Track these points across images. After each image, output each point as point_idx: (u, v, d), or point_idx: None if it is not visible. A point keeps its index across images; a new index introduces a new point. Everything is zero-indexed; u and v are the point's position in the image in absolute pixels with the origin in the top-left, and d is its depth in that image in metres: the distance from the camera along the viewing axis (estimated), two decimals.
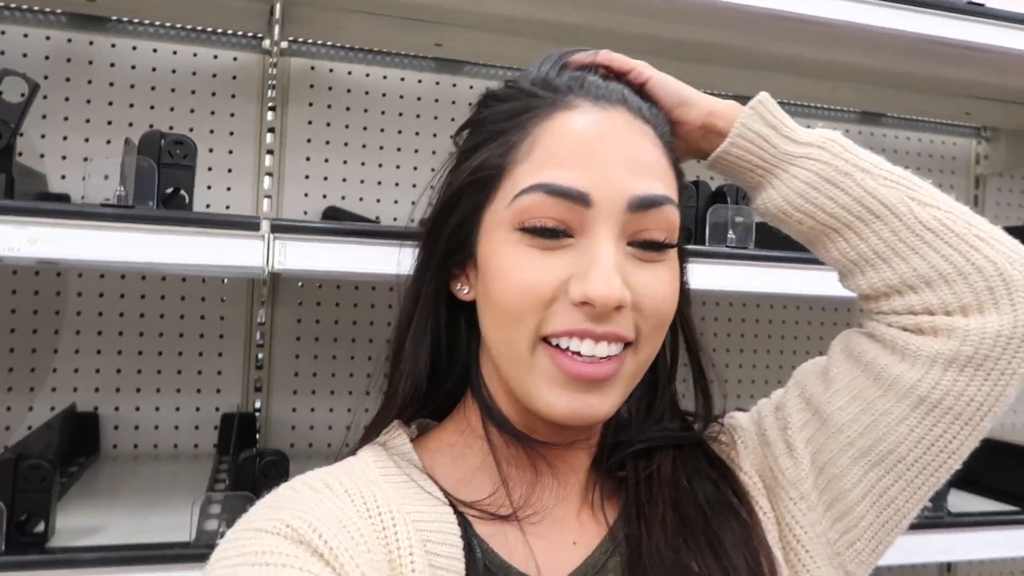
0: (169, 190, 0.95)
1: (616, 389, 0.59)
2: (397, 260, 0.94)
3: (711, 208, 1.13)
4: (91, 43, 1.38)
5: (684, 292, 0.65)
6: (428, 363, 0.64)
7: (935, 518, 1.20)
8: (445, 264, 0.63)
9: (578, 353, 0.56)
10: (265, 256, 0.91)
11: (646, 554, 0.60)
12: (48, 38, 1.36)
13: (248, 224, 0.91)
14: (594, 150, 0.57)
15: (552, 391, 0.57)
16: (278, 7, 1.19)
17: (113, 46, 1.39)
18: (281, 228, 0.92)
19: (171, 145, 0.93)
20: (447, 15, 1.27)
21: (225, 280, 1.45)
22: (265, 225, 0.92)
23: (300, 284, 1.48)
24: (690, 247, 1.09)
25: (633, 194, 0.56)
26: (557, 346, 0.56)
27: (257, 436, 1.47)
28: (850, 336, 0.68)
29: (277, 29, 1.23)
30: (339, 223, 0.99)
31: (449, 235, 0.62)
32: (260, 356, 1.48)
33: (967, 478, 1.35)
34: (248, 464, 0.98)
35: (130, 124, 1.40)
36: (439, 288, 0.64)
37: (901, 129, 1.83)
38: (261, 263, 0.91)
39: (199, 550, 0.95)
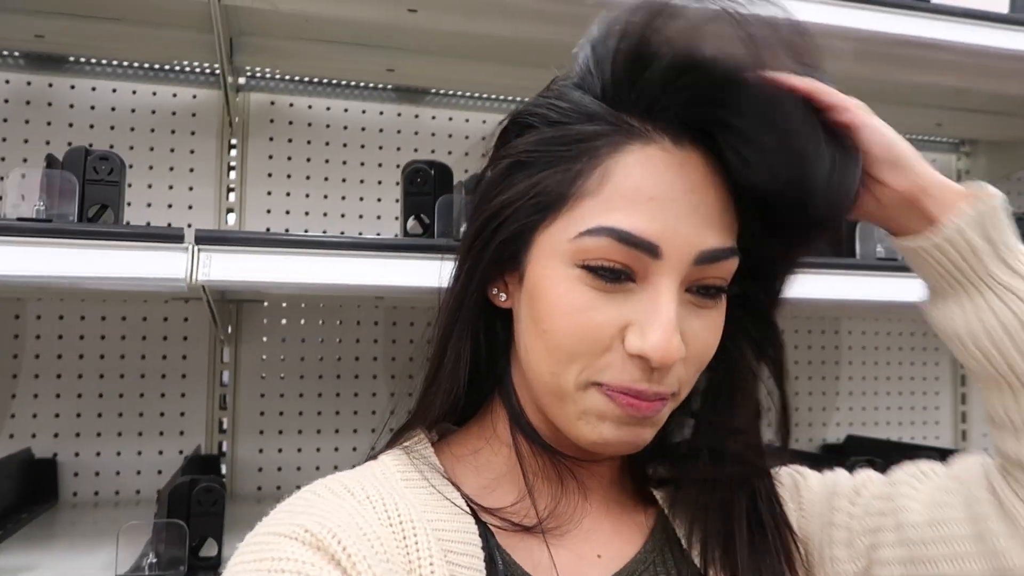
0: (96, 207, 0.93)
1: (653, 426, 0.58)
2: (329, 270, 0.91)
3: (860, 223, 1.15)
4: (50, 85, 1.39)
5: (778, 305, 0.64)
6: (467, 378, 0.61)
7: None
8: (487, 275, 0.60)
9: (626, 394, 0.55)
10: (189, 268, 0.88)
11: None
12: (7, 81, 1.38)
13: (171, 236, 0.89)
14: (668, 198, 0.53)
15: (602, 424, 0.55)
16: (221, 36, 1.19)
17: (72, 87, 1.40)
18: (205, 239, 0.90)
19: (96, 161, 0.92)
20: (397, 38, 1.28)
21: (187, 319, 1.43)
22: (189, 235, 0.90)
23: (265, 304, 1.45)
24: (839, 260, 1.13)
25: (702, 249, 0.54)
26: (609, 390, 0.55)
27: (224, 478, 1.42)
28: (970, 471, 0.62)
29: (225, 61, 1.22)
30: (263, 233, 0.96)
31: (498, 247, 0.59)
32: (224, 396, 1.44)
33: None
34: (181, 490, 0.94)
35: None
36: (480, 294, 0.61)
37: None
38: (184, 275, 0.88)
39: None
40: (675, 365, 0.54)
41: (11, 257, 0.85)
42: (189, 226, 0.93)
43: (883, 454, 1.29)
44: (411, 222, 1.02)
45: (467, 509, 0.58)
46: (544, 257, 0.56)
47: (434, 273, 0.96)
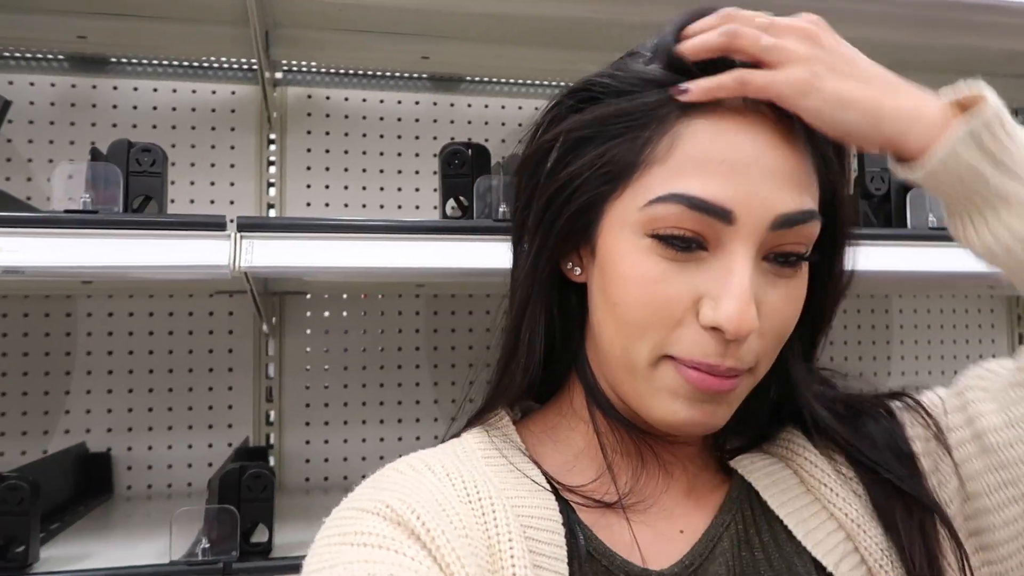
0: (140, 198, 0.94)
1: (733, 402, 0.56)
2: (369, 253, 0.91)
3: (910, 191, 1.13)
4: (94, 87, 1.42)
5: (841, 281, 0.62)
6: (543, 352, 0.60)
7: None
8: (560, 248, 0.59)
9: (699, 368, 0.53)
10: (232, 255, 0.89)
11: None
12: (53, 84, 1.40)
13: (213, 224, 0.90)
14: (740, 162, 0.52)
15: (675, 402, 0.54)
16: (257, 29, 1.19)
17: (115, 88, 1.42)
18: (247, 226, 0.90)
19: (139, 153, 0.93)
20: (429, 24, 1.27)
21: (232, 313, 1.44)
22: (231, 223, 0.91)
23: (308, 296, 1.46)
24: (890, 231, 1.11)
25: (779, 212, 0.52)
26: (683, 364, 0.53)
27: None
28: None
29: (262, 53, 1.23)
30: (303, 218, 0.96)
31: (567, 220, 0.58)
32: (271, 388, 1.46)
33: None
34: (231, 477, 0.94)
35: None
36: (553, 268, 0.61)
37: None
38: (227, 261, 0.89)
39: (178, 567, 0.91)
40: (751, 338, 0.52)
41: (60, 249, 0.86)
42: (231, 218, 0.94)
43: None
44: (450, 204, 1.02)
45: (547, 486, 0.57)
46: (615, 228, 0.55)
47: (473, 255, 0.96)
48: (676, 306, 0.52)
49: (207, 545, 0.91)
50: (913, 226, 1.11)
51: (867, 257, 1.07)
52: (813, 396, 0.62)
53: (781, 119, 0.53)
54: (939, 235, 1.09)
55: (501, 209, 0.96)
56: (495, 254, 0.94)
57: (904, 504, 0.58)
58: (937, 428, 0.61)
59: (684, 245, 0.52)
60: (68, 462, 1.29)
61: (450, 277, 0.97)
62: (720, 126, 0.53)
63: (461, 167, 0.99)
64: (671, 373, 0.54)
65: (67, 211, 0.87)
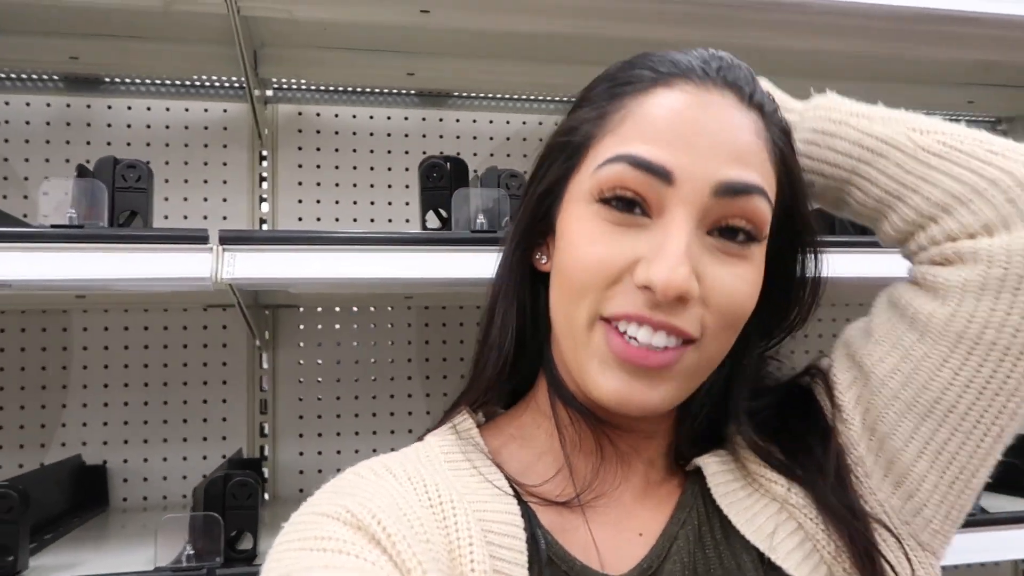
0: (126, 214, 0.97)
1: (671, 383, 0.55)
2: (348, 265, 0.93)
3: None
4: (88, 106, 1.45)
5: (804, 289, 0.64)
6: (515, 337, 0.62)
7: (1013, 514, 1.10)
8: (530, 233, 0.62)
9: (634, 339, 0.53)
10: (214, 267, 0.91)
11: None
12: (48, 104, 1.44)
13: (196, 237, 0.92)
14: (685, 128, 0.54)
15: (602, 372, 0.54)
16: (244, 48, 1.22)
17: (109, 107, 1.46)
18: (230, 239, 0.93)
19: (124, 169, 0.96)
20: (413, 40, 1.30)
21: (226, 327, 1.47)
22: (214, 237, 0.93)
23: (300, 309, 1.49)
24: (866, 238, 1.10)
25: (720, 178, 0.53)
26: (616, 327, 0.54)
27: (265, 480, 1.46)
28: (894, 285, 0.65)
29: (250, 72, 1.26)
30: (284, 231, 0.99)
31: (536, 203, 0.61)
32: (264, 401, 1.48)
33: None
34: (216, 485, 0.96)
35: None
36: (523, 259, 0.63)
37: None
38: (210, 274, 0.91)
39: (163, 574, 0.92)
40: (693, 307, 0.53)
41: (46, 263, 0.89)
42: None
43: None
44: (429, 216, 1.04)
45: (509, 491, 0.58)
46: (572, 202, 0.58)
47: (451, 265, 0.98)
48: (612, 266, 0.54)
49: (192, 552, 0.93)
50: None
51: (844, 265, 1.09)
52: (744, 411, 0.63)
53: (742, 104, 0.56)
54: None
55: (479, 220, 0.98)
56: (473, 264, 0.96)
57: (834, 509, 0.59)
58: (831, 394, 0.63)
59: (626, 206, 0.54)
60: (63, 474, 1.31)
61: (428, 288, 0.99)
62: (675, 99, 0.55)
63: (440, 180, 1.01)
64: (600, 336, 0.55)
65: (53, 226, 0.90)
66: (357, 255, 0.94)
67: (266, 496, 1.45)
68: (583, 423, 0.60)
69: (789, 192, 0.59)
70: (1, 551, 0.93)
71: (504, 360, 0.62)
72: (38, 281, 0.88)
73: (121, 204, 0.95)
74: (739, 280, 0.55)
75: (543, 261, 0.62)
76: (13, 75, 1.38)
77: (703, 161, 0.53)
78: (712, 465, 0.62)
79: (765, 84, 0.63)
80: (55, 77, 1.40)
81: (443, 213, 1.03)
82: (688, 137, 0.54)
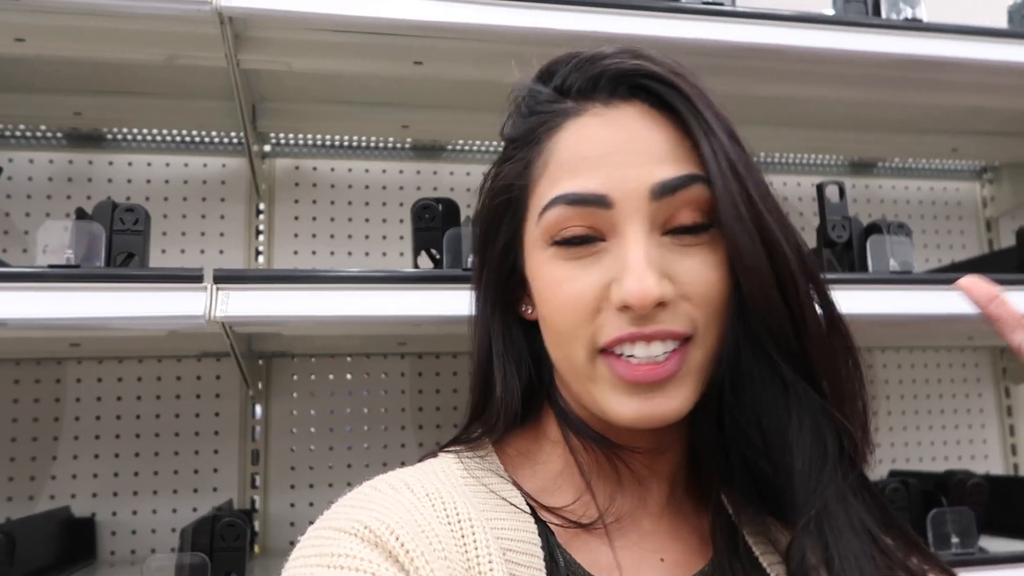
0: (123, 255, 0.98)
1: (683, 386, 0.55)
2: (339, 303, 0.94)
3: (870, 238, 1.16)
4: (90, 162, 1.48)
5: (838, 320, 0.59)
6: (520, 391, 0.63)
7: (966, 555, 1.09)
8: (504, 290, 0.63)
9: (633, 356, 0.54)
10: (208, 305, 0.93)
11: None
12: (51, 161, 1.47)
13: (191, 277, 0.94)
14: (605, 151, 0.56)
15: (618, 398, 0.55)
16: (243, 103, 1.26)
17: (111, 163, 1.49)
18: (224, 278, 0.94)
19: (122, 212, 0.98)
20: (408, 93, 1.34)
21: (219, 377, 1.47)
22: (208, 276, 0.94)
23: (293, 359, 1.49)
24: (852, 275, 1.13)
25: (655, 182, 0.55)
26: (614, 353, 0.55)
27: (255, 533, 1.44)
28: None
29: (248, 127, 1.30)
30: (276, 270, 1.00)
31: (498, 261, 0.63)
32: (256, 452, 1.47)
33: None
34: (204, 526, 0.95)
35: None
36: (506, 313, 0.64)
37: (898, 178, 1.79)
38: (203, 311, 0.92)
39: None
40: (676, 306, 0.54)
41: (42, 303, 0.90)
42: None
43: (939, 489, 1.26)
44: (422, 257, 1.06)
45: (527, 509, 0.58)
46: (529, 252, 0.60)
47: (443, 303, 1.00)
48: (588, 298, 0.55)
49: None
50: (875, 270, 1.14)
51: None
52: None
53: (651, 110, 0.57)
54: (900, 279, 1.12)
55: (470, 259, 1.00)
56: (464, 302, 0.98)
57: None
58: None
59: (581, 242, 0.56)
60: (51, 526, 1.29)
61: (418, 325, 1.00)
62: (585, 130, 0.57)
63: (432, 220, 1.04)
64: (604, 367, 0.55)
65: (51, 266, 0.91)
66: (348, 293, 0.96)
67: (256, 548, 1.42)
68: (597, 450, 0.61)
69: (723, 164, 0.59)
70: None
71: (514, 407, 0.62)
72: (35, 320, 0.89)
73: (119, 246, 0.97)
74: (706, 265, 0.56)
75: (529, 312, 0.64)
76: (18, 132, 1.42)
77: (632, 172, 0.55)
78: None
79: None
80: (59, 134, 1.44)
81: (435, 253, 1.05)
82: (611, 156, 0.56)
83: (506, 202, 0.61)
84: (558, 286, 0.56)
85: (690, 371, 0.55)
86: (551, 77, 0.62)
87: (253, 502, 1.46)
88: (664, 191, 0.55)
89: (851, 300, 1.10)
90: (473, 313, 0.67)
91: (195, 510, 1.44)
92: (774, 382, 0.57)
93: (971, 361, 1.80)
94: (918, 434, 1.75)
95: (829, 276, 1.12)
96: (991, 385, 1.81)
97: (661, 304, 0.53)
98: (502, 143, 0.65)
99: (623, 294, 0.53)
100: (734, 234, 0.54)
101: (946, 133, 1.62)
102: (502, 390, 0.62)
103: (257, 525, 1.44)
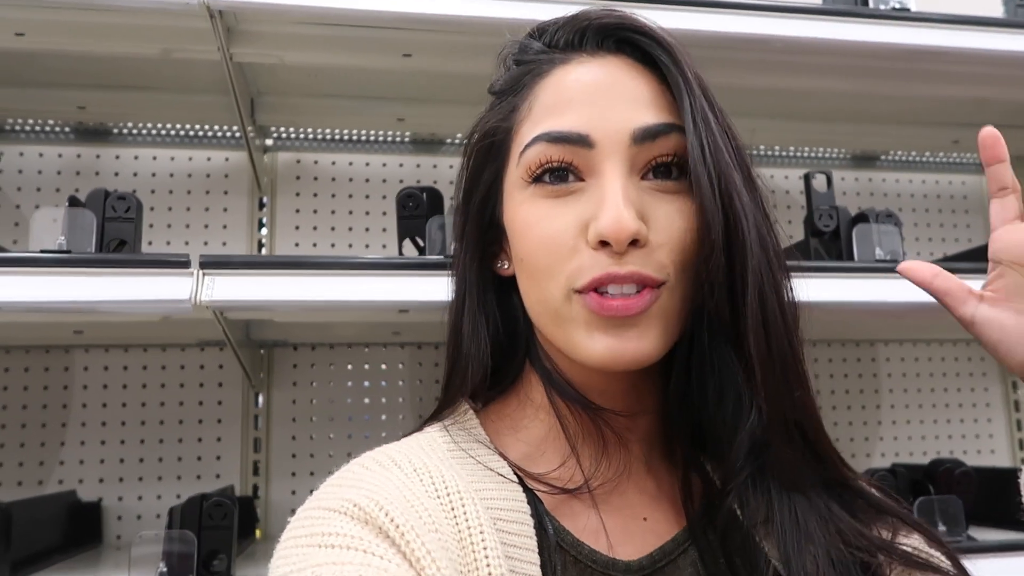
0: (115, 242, 1.01)
1: (654, 326, 0.56)
2: (321, 288, 0.96)
3: (856, 227, 1.16)
4: (98, 156, 1.53)
5: (793, 310, 0.60)
6: (489, 344, 0.63)
7: (953, 543, 1.08)
8: (481, 242, 0.64)
9: (607, 292, 0.55)
10: (193, 290, 0.95)
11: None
12: (60, 155, 1.51)
13: (178, 262, 0.96)
14: (590, 94, 0.57)
15: (591, 335, 0.55)
16: (239, 97, 1.29)
17: (117, 157, 1.53)
18: (210, 263, 0.97)
19: (115, 200, 1.01)
20: (401, 86, 1.36)
21: (222, 366, 1.50)
22: (195, 261, 0.97)
23: (294, 348, 1.52)
24: (839, 263, 1.13)
25: (636, 126, 0.56)
26: (590, 293, 0.56)
27: (257, 519, 1.46)
28: None
29: (246, 121, 1.33)
30: (261, 256, 1.02)
31: (478, 211, 0.63)
32: (258, 440, 1.50)
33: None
34: (193, 505, 0.98)
35: None
36: (482, 268, 0.65)
37: (902, 171, 1.78)
38: (189, 296, 0.95)
39: None
40: (651, 252, 0.55)
41: (35, 287, 0.93)
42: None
43: (927, 477, 1.25)
44: (406, 244, 1.08)
45: (513, 478, 0.58)
46: (509, 196, 0.61)
47: (425, 288, 1.02)
48: (565, 236, 0.56)
49: (165, 570, 0.94)
50: (860, 259, 1.14)
51: (819, 289, 1.10)
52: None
53: (636, 64, 0.59)
54: (885, 267, 1.11)
55: (453, 246, 1.02)
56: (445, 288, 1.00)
57: None
58: None
59: (558, 177, 0.57)
60: (56, 508, 1.33)
61: (408, 313, 1.02)
62: (570, 72, 0.59)
63: (416, 208, 1.05)
64: (579, 305, 0.56)
65: (43, 251, 0.95)
66: (332, 279, 0.98)
67: (258, 533, 1.45)
68: (583, 413, 0.61)
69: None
70: None
71: (483, 370, 0.63)
72: (26, 303, 0.92)
73: (110, 233, 1.00)
74: (679, 214, 0.56)
75: (505, 267, 0.64)
76: (27, 127, 1.47)
77: (615, 116, 0.56)
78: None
79: None
80: (66, 129, 1.48)
81: (419, 241, 1.06)
82: (595, 99, 0.57)
83: (488, 147, 0.62)
84: (536, 224, 0.57)
85: (660, 314, 0.56)
86: (541, 34, 0.64)
87: (255, 489, 1.49)
88: (645, 136, 0.56)
89: (835, 289, 1.10)
90: (452, 274, 0.67)
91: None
92: (716, 343, 0.59)
93: (977, 355, 1.78)
94: (923, 428, 1.73)
95: (812, 264, 1.12)
96: (998, 379, 1.79)
97: (635, 244, 0.54)
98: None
99: (600, 227, 0.54)
100: (697, 177, 0.55)
101: (948, 125, 1.60)
102: (471, 342, 0.63)
103: (259, 511, 1.47)
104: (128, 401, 1.47)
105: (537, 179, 0.57)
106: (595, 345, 0.55)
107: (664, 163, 0.57)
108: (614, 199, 0.54)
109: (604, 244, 0.54)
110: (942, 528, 1.10)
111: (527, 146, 0.58)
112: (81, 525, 1.39)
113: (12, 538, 0.98)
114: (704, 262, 0.55)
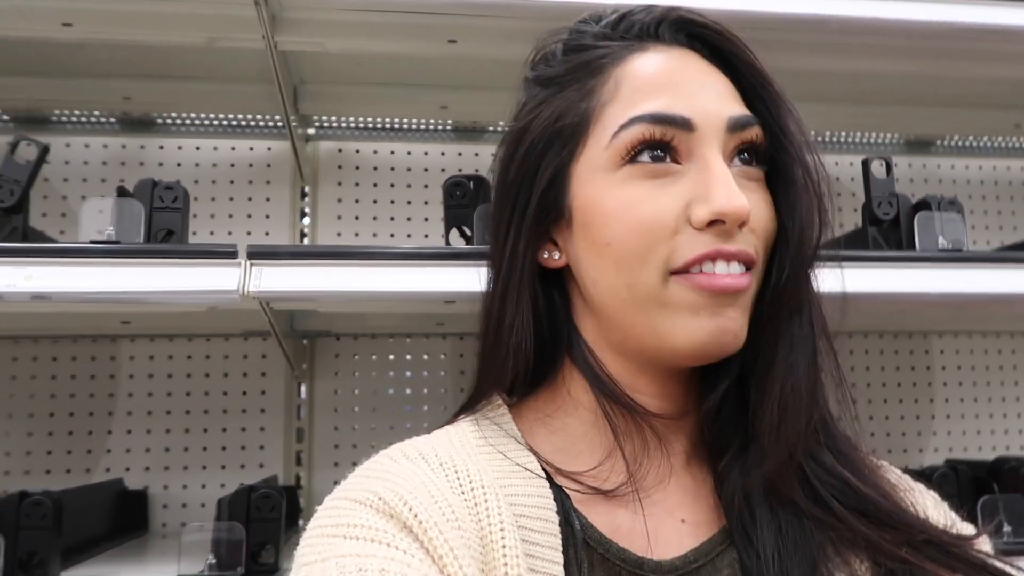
0: (162, 232, 1.01)
1: (744, 311, 0.57)
2: (369, 278, 0.95)
3: (918, 214, 1.13)
4: (142, 147, 1.53)
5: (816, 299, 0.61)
6: (533, 336, 0.62)
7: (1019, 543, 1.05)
8: (537, 230, 0.61)
9: (714, 272, 0.55)
10: (241, 280, 0.94)
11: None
12: (105, 146, 1.52)
13: (226, 252, 0.95)
14: (681, 81, 0.57)
15: (696, 318, 0.55)
16: (283, 86, 1.28)
17: (161, 147, 1.53)
18: (257, 254, 0.96)
19: (162, 190, 1.01)
20: (445, 73, 1.35)
21: (265, 356, 1.50)
22: (243, 252, 0.96)
23: (337, 338, 1.51)
24: (899, 253, 1.10)
25: (730, 115, 0.57)
26: (690, 272, 0.55)
27: (300, 509, 1.47)
28: None
29: (290, 110, 1.32)
30: (308, 246, 1.02)
31: (539, 198, 0.60)
32: (301, 430, 1.50)
33: None
34: (240, 497, 0.98)
35: None
36: (531, 257, 0.62)
37: (959, 157, 1.72)
38: (237, 286, 0.94)
39: None
40: (745, 229, 0.55)
41: (83, 277, 0.93)
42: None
43: (991, 475, 1.21)
44: (454, 234, 1.06)
45: (542, 474, 0.58)
46: (587, 180, 0.58)
47: (473, 279, 0.99)
48: (668, 217, 0.55)
49: (214, 562, 0.94)
50: (922, 248, 1.10)
51: (880, 279, 1.07)
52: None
53: (706, 60, 0.60)
54: (949, 256, 1.07)
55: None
56: None
57: None
58: None
59: (658, 156, 0.56)
60: (104, 496, 1.34)
61: (455, 303, 1.00)
62: (655, 59, 0.59)
63: (463, 197, 1.04)
64: (683, 287, 0.55)
65: (92, 242, 0.94)
66: (378, 269, 0.96)
67: (301, 523, 1.46)
68: (627, 415, 0.60)
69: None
70: (34, 558, 0.95)
71: (526, 364, 0.61)
72: (75, 293, 0.92)
73: (158, 223, 1.00)
74: (764, 202, 0.58)
75: (556, 257, 0.62)
76: (74, 117, 1.47)
77: (709, 103, 0.57)
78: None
79: None
80: (111, 119, 1.49)
81: (467, 231, 1.05)
82: (687, 86, 0.57)
83: (556, 131, 0.59)
84: (634, 206, 0.55)
85: (749, 299, 0.57)
86: (598, 21, 0.63)
87: (298, 478, 1.49)
88: (737, 126, 0.57)
89: (896, 279, 1.06)
90: (493, 258, 0.64)
91: (242, 485, 1.47)
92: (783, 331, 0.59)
93: None
94: (978, 423, 1.68)
95: (873, 253, 1.08)
96: None
97: (743, 223, 0.55)
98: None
99: (714, 206, 0.53)
100: (793, 176, 0.58)
101: (1009, 108, 1.55)
102: (514, 334, 0.60)
103: (302, 501, 1.48)
104: (173, 390, 1.48)
105: (633, 159, 0.56)
106: (700, 328, 0.54)
107: (750, 151, 0.58)
108: (727, 180, 0.54)
109: (711, 224, 0.54)
110: (1007, 528, 1.06)
111: (623, 127, 0.56)
112: (128, 513, 1.40)
113: (64, 527, 0.98)
114: (796, 252, 0.57)
